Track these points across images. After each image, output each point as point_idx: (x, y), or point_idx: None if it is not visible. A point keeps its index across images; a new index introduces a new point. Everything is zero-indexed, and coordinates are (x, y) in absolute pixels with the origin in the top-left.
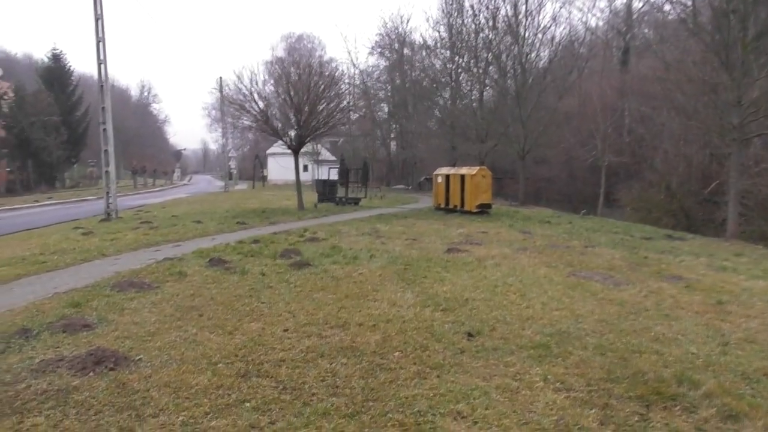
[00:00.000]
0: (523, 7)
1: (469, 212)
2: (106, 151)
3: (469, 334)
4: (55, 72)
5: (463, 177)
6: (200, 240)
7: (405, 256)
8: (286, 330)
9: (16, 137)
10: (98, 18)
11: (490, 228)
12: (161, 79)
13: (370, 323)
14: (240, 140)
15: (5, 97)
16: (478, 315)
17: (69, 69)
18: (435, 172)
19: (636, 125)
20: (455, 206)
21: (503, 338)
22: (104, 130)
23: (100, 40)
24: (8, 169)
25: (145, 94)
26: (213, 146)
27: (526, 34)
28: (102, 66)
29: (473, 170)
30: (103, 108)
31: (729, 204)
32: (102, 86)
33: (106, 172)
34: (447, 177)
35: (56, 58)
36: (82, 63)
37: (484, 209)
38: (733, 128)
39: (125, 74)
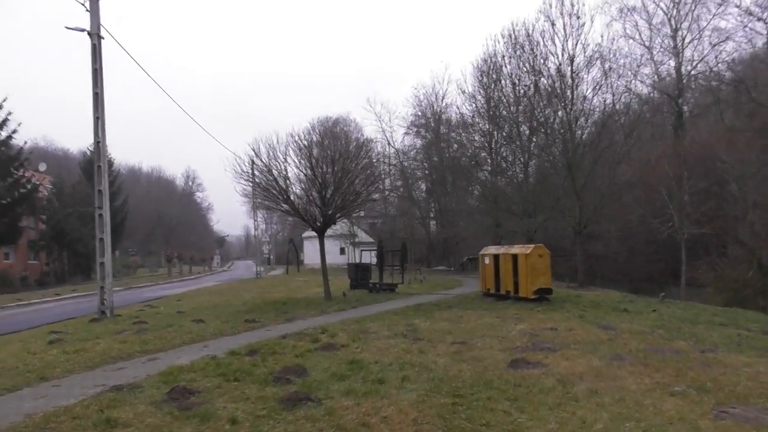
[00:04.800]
0: (569, 69)
1: (526, 299)
2: (101, 239)
3: None
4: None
5: (515, 257)
6: (187, 349)
7: (452, 377)
8: None
9: (53, 229)
10: (96, 93)
11: (558, 321)
12: (206, 167)
13: None
14: (279, 225)
15: (41, 190)
16: None
17: (110, 160)
18: (482, 252)
19: (710, 194)
20: (507, 292)
21: None
22: (100, 215)
23: (98, 117)
24: (46, 262)
25: (190, 183)
26: (254, 232)
27: (573, 98)
28: (100, 145)
29: (527, 249)
30: (99, 191)
31: None
32: (99, 166)
33: (101, 263)
34: (496, 257)
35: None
36: (128, 155)
37: (543, 295)
38: None
39: (172, 165)
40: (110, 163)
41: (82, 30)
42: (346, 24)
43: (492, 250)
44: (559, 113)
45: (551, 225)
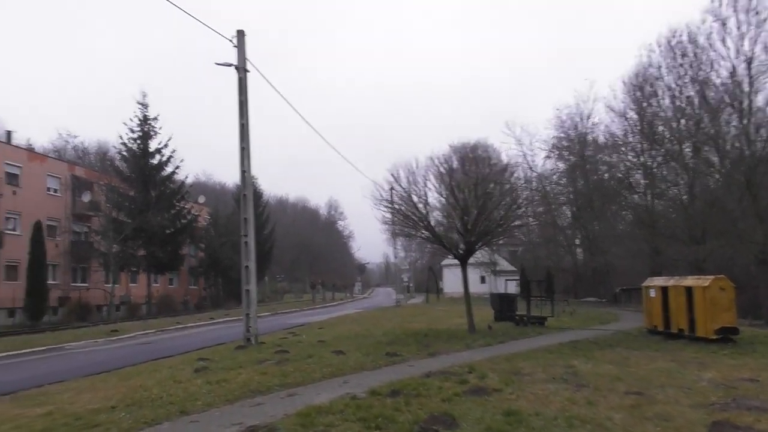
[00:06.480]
0: (746, 73)
1: (704, 339)
2: (246, 267)
3: None
4: None
5: (690, 290)
6: (326, 384)
7: None
8: None
9: (210, 257)
10: (243, 124)
11: (756, 369)
12: (348, 196)
13: None
14: (418, 252)
15: (200, 221)
16: None
17: (259, 191)
18: (645, 283)
19: None
20: (680, 330)
21: None
22: (245, 243)
23: (243, 147)
24: (204, 287)
25: (333, 212)
26: (394, 259)
27: (752, 106)
28: (245, 174)
29: (705, 280)
30: (245, 219)
31: None
32: (244, 195)
33: (247, 290)
34: (664, 290)
35: None
36: (276, 186)
37: (727, 335)
38: None
39: (316, 194)
40: (259, 194)
41: (230, 65)
42: (480, 48)
43: (659, 281)
44: (733, 124)
45: (721, 252)
